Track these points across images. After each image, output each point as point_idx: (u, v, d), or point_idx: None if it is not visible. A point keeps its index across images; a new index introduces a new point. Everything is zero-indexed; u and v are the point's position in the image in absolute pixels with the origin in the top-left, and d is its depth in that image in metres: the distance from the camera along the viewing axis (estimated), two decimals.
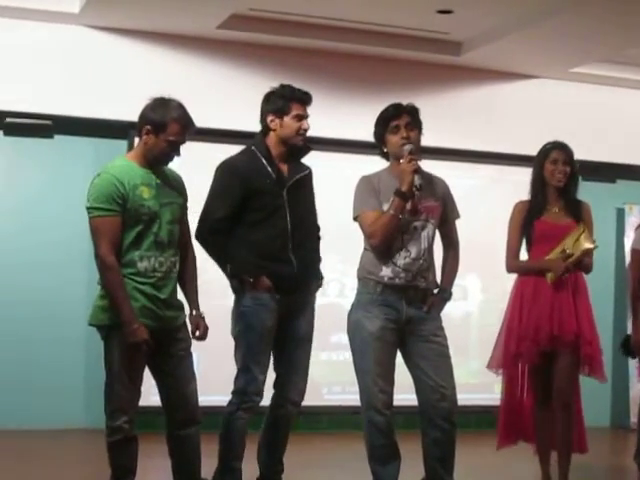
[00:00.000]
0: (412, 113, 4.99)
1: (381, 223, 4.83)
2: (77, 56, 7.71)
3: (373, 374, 4.86)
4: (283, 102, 5.06)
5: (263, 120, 5.12)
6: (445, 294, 5.08)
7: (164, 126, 4.48)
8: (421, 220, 4.94)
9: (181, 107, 4.55)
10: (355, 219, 4.98)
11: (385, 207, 4.86)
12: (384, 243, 4.85)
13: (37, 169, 8.07)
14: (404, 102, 5.04)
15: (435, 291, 5.04)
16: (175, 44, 7.92)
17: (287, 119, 5.05)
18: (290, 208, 5.04)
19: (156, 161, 4.55)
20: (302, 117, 5.08)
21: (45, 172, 8.08)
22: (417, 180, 4.81)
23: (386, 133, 4.96)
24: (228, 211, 4.99)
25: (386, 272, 4.88)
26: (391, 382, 4.91)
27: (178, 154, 4.57)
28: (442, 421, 4.88)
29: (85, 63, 7.71)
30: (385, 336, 4.87)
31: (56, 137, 7.84)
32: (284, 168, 5.10)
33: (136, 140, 4.91)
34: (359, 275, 5.02)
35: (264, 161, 5.04)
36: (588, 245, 5.49)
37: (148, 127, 4.49)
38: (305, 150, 5.18)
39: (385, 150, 5.03)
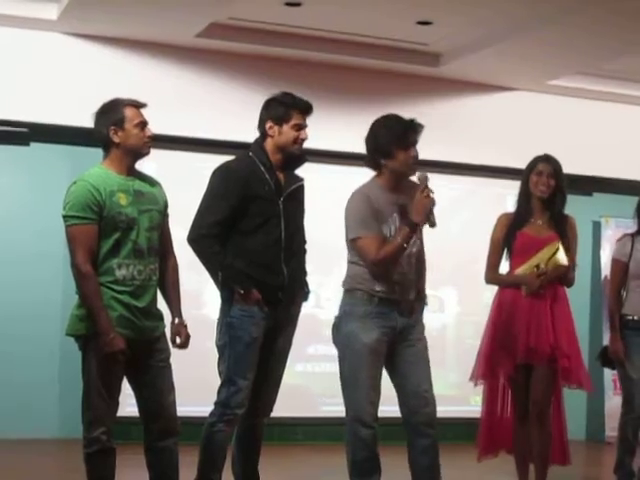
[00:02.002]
0: (420, 132, 4.88)
1: (387, 252, 4.73)
2: (54, 63, 7.67)
3: (365, 386, 4.79)
4: (284, 110, 4.99)
5: (262, 126, 5.06)
6: (424, 299, 5.02)
7: (123, 118, 4.47)
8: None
9: (119, 97, 4.56)
10: (352, 240, 4.84)
11: (384, 228, 4.78)
12: (387, 270, 4.78)
13: (12, 177, 8.01)
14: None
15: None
16: (154, 52, 7.89)
17: (286, 127, 4.98)
18: (285, 218, 4.99)
19: (138, 150, 4.52)
20: (301, 127, 5.01)
21: (21, 180, 8.03)
22: (432, 218, 4.74)
23: (397, 146, 4.80)
24: (225, 215, 4.91)
25: (381, 287, 4.80)
26: (379, 395, 4.86)
27: (151, 136, 4.54)
28: (427, 427, 4.85)
29: (62, 70, 7.67)
30: (379, 348, 4.81)
31: (32, 145, 7.79)
32: (281, 177, 5.05)
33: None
34: (348, 287, 4.92)
35: (262, 168, 4.99)
36: (562, 262, 5.49)
37: (113, 127, 4.46)
38: (301, 161, 5.13)
39: (383, 161, 4.85)
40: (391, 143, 4.81)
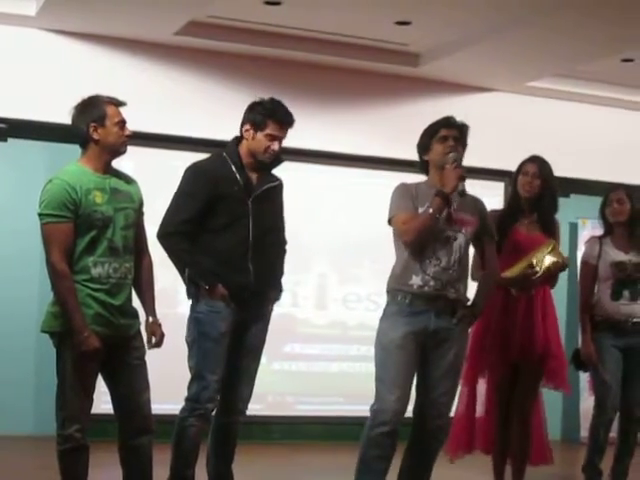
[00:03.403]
0: (462, 130, 4.95)
1: (418, 220, 4.76)
2: (33, 59, 7.65)
3: (389, 385, 4.76)
4: (261, 117, 4.99)
5: (241, 127, 5.08)
6: (475, 309, 4.99)
7: (104, 115, 4.46)
8: (453, 230, 4.86)
9: (99, 94, 4.55)
10: (389, 222, 4.91)
11: (419, 210, 4.81)
12: (417, 241, 4.77)
13: None
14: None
15: (468, 303, 4.97)
16: (132, 49, 7.88)
17: (260, 135, 5.00)
18: (254, 217, 5.00)
19: (116, 149, 4.51)
20: (275, 138, 5.02)
21: None
22: (461, 186, 4.79)
23: (433, 141, 4.91)
24: (193, 213, 4.95)
25: (415, 280, 4.80)
26: (406, 396, 4.80)
27: (129, 135, 4.53)
28: (432, 438, 4.89)
29: (41, 66, 7.65)
30: (407, 345, 4.78)
31: (10, 140, 7.76)
32: (253, 177, 5.06)
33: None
34: (388, 287, 4.94)
35: (233, 168, 5.01)
36: (558, 260, 5.50)
37: (93, 124, 4.44)
38: (277, 161, 5.14)
39: (426, 158, 4.96)
40: (428, 136, 4.94)
